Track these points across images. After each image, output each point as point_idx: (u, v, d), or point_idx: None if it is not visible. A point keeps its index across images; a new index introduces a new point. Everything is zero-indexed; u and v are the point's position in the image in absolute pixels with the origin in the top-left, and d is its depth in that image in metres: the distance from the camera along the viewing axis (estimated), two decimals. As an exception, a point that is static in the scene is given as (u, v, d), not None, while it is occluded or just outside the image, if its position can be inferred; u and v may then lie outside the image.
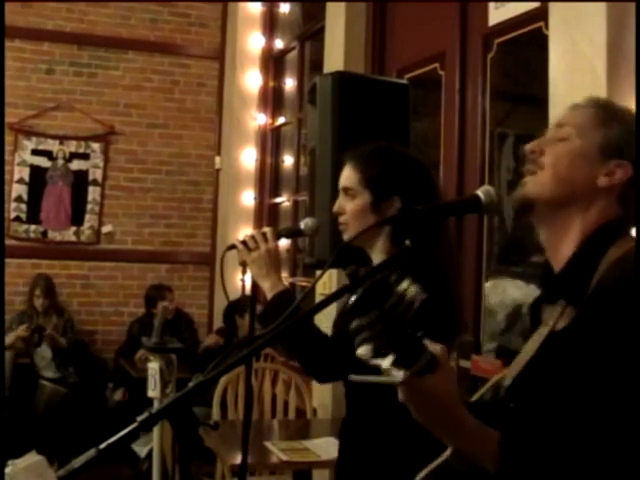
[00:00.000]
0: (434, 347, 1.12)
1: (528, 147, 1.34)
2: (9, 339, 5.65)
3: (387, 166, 2.02)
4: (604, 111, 1.34)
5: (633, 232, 1.31)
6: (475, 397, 1.29)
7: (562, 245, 1.29)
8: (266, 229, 2.23)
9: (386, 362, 1.07)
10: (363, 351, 1.08)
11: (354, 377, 1.10)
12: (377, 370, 1.09)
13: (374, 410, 1.91)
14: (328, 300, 1.20)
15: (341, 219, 2.06)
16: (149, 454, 4.27)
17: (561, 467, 1.12)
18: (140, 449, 4.69)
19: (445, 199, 2.21)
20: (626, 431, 1.09)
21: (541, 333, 1.28)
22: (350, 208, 2.03)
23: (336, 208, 2.08)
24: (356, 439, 2.02)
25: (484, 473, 1.16)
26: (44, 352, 5.76)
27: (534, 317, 1.34)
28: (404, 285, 1.09)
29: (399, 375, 1.07)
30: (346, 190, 2.05)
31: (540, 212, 1.31)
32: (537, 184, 1.30)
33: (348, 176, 2.06)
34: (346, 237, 2.04)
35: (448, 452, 1.23)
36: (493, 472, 1.13)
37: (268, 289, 2.12)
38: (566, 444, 1.12)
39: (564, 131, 1.32)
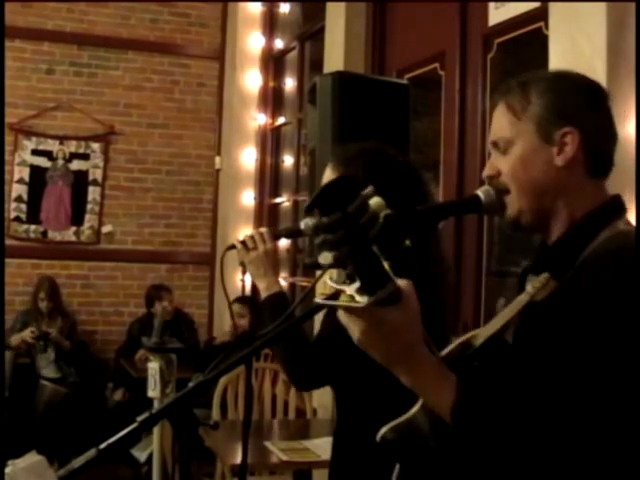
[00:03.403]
0: (401, 280, 1.08)
1: (485, 174, 1.34)
2: (15, 341, 5.64)
3: (368, 169, 1.91)
4: (518, 95, 1.30)
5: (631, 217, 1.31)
6: (444, 352, 1.28)
7: (555, 230, 1.31)
8: (263, 229, 2.22)
9: (350, 288, 1.04)
10: (324, 259, 1.03)
11: (319, 301, 1.08)
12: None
13: (363, 414, 1.92)
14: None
15: None
16: (149, 459, 4.27)
17: (520, 430, 1.11)
18: (139, 454, 4.68)
19: (435, 201, 2.20)
20: (593, 399, 1.09)
21: (521, 300, 1.28)
22: None
23: None
24: (347, 442, 2.02)
25: (444, 432, 1.15)
26: (48, 354, 5.75)
27: (521, 285, 1.35)
28: (368, 190, 1.03)
29: (362, 301, 1.03)
30: None
31: (529, 223, 1.32)
32: (512, 204, 1.31)
33: (327, 178, 2.00)
34: None
35: (415, 409, 1.23)
36: (448, 423, 1.12)
37: (263, 289, 2.11)
38: (528, 410, 1.12)
39: (502, 145, 1.31)
